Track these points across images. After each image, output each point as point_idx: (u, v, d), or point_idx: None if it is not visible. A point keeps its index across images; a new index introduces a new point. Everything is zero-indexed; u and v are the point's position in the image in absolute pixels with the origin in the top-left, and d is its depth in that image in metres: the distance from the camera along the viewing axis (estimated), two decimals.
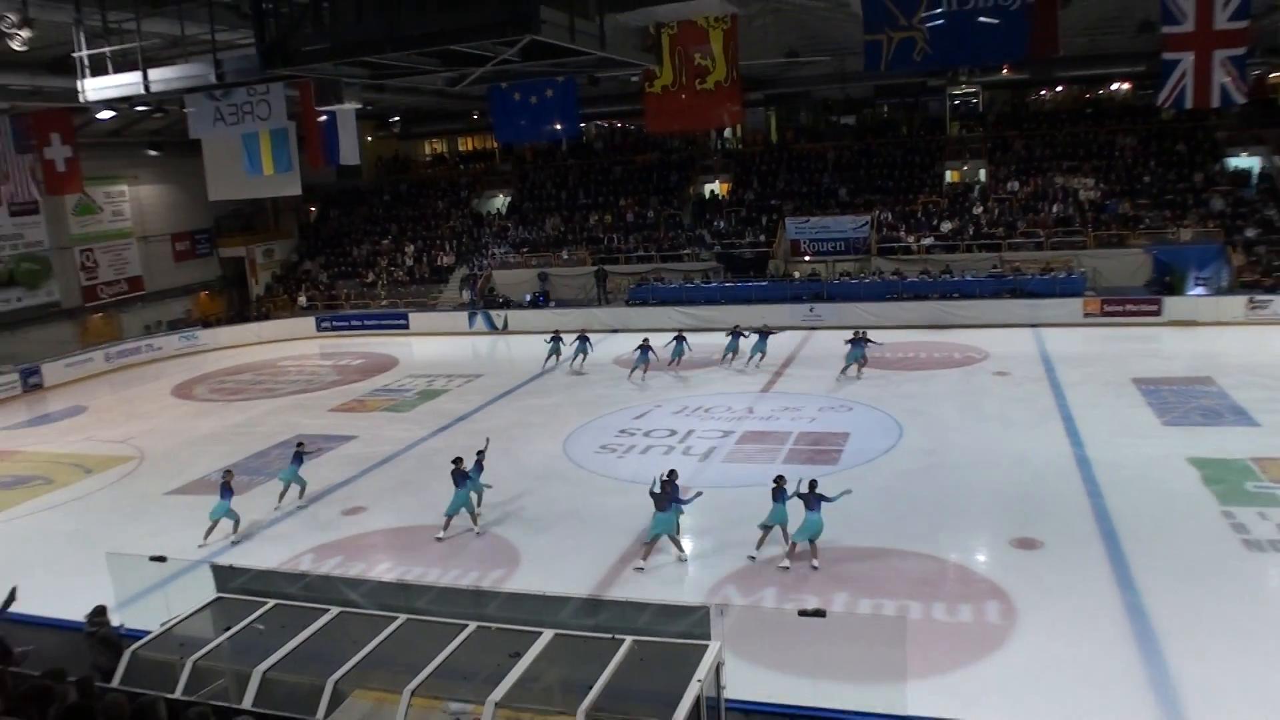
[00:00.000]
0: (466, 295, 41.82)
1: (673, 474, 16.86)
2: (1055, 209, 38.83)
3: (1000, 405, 24.91)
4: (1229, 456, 19.58)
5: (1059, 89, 46.18)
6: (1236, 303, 32.89)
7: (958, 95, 44.57)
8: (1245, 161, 39.35)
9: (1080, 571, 15.09)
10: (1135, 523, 16.76)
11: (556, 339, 32.85)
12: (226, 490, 18.44)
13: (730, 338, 31.35)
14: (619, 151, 48.80)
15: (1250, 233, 35.80)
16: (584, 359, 32.20)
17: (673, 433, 23.77)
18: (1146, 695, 11.75)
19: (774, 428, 23.76)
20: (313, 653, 9.47)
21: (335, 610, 10.15)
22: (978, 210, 39.82)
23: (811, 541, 15.70)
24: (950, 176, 42.84)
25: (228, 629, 9.97)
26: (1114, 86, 45.16)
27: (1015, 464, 20.25)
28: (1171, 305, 33.54)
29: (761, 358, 30.75)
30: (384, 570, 16.40)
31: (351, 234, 48.07)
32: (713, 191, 45.49)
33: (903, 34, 22.05)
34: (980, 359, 30.04)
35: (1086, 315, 33.92)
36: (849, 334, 29.77)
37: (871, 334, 29.95)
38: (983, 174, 42.17)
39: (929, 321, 34.59)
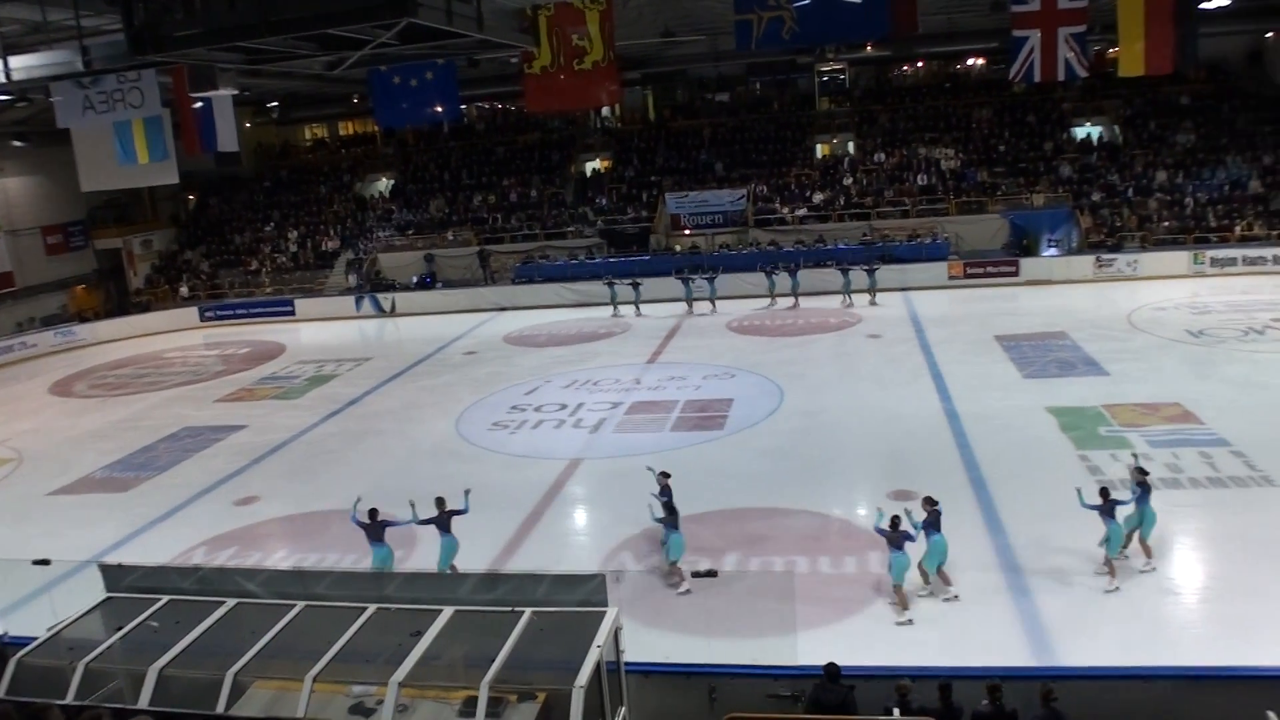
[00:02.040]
0: (353, 279, 40.87)
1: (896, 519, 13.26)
2: (919, 178, 39.81)
3: (874, 366, 25.50)
4: (1083, 405, 20.43)
5: (920, 65, 47.22)
6: (1085, 262, 34.35)
7: (826, 72, 45.22)
8: (1089, 130, 41.03)
9: (953, 518, 15.48)
10: (1001, 470, 17.37)
11: (611, 286, 34.91)
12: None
13: (768, 280, 34.41)
14: (500, 132, 48.16)
15: (1095, 196, 37.35)
16: (638, 306, 34.64)
17: (563, 406, 23.68)
18: (1016, 627, 12.22)
19: (661, 397, 23.86)
20: (210, 646, 9.14)
21: (231, 602, 9.82)
22: (847, 181, 40.56)
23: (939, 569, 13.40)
24: (821, 150, 43.53)
25: (119, 629, 9.55)
26: (970, 62, 46.40)
27: (890, 420, 20.76)
28: (1027, 266, 34.81)
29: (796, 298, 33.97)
30: (280, 559, 15.97)
31: (233, 222, 46.44)
32: (594, 169, 45.32)
33: (771, 14, 22.24)
34: (854, 323, 30.68)
35: (951, 278, 34.94)
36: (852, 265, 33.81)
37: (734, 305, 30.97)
38: (851, 146, 42.93)
39: (805, 289, 35.14)
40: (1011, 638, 12.01)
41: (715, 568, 14.07)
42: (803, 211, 39.53)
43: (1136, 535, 13.60)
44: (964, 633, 12.20)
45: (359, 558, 15.77)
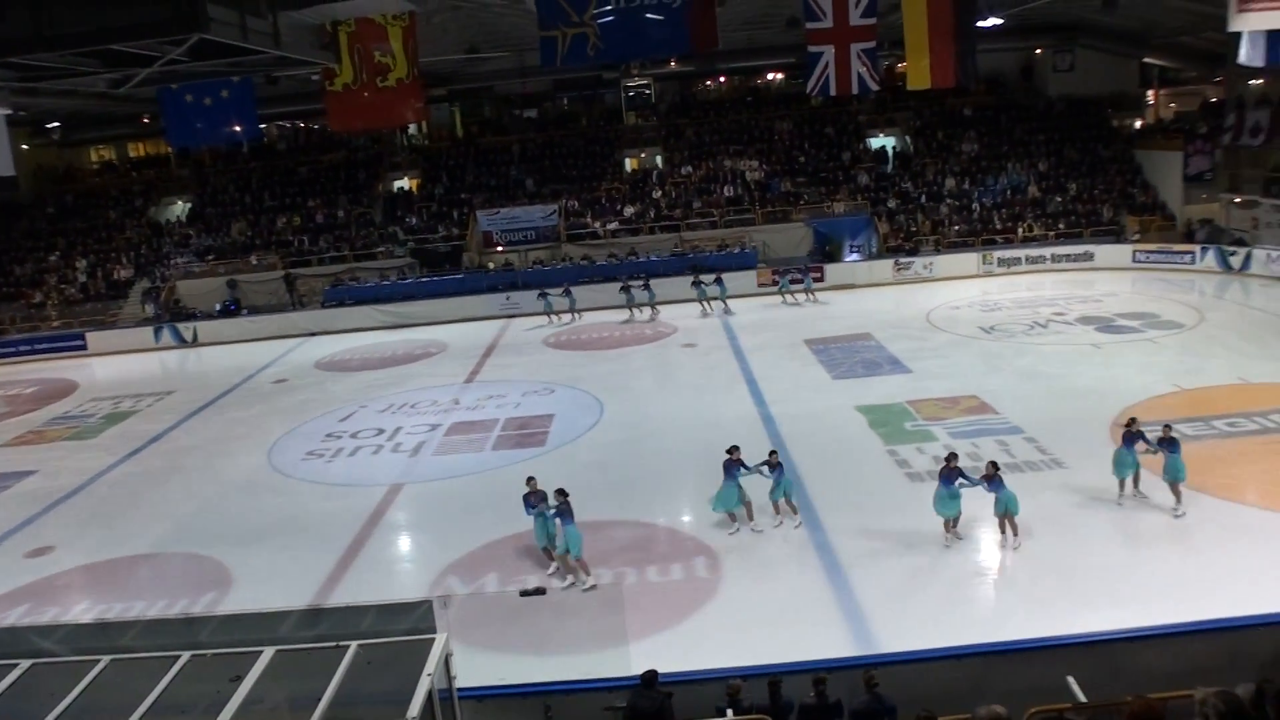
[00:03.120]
0: (150, 309, 38.74)
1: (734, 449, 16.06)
2: (726, 190, 40.96)
3: (691, 375, 26.06)
4: (889, 402, 21.47)
5: (722, 80, 48.69)
6: (885, 266, 36.14)
7: (632, 87, 45.98)
8: (883, 141, 43.26)
9: (774, 519, 16.03)
10: (817, 469, 18.02)
11: (544, 296, 34.57)
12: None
13: (695, 288, 34.11)
14: (304, 151, 46.73)
15: (891, 203, 39.36)
16: (575, 316, 34.66)
17: (380, 431, 23.15)
18: (840, 621, 12.70)
19: (480, 417, 23.65)
20: (2, 717, 8.46)
21: (25, 664, 9.10)
22: (657, 194, 41.35)
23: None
24: (630, 164, 44.22)
25: None
26: (770, 77, 48.16)
27: (709, 427, 21.20)
28: (832, 271, 36.32)
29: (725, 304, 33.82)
30: (81, 611, 14.95)
31: (11, 251, 43.20)
32: (402, 188, 44.59)
33: (575, 30, 22.47)
34: (670, 333, 31.25)
35: (760, 286, 36.01)
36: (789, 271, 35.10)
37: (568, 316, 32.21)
38: (659, 160, 43.80)
39: (620, 301, 35.56)
40: (835, 630, 12.46)
41: (543, 585, 14.10)
42: (614, 225, 40.04)
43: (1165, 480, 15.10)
44: (790, 629, 12.56)
45: (169, 603, 14.99)
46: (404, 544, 17.43)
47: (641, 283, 34.54)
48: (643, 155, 44.48)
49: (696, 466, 18.87)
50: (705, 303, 34.18)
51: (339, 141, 45.19)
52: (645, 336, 31.17)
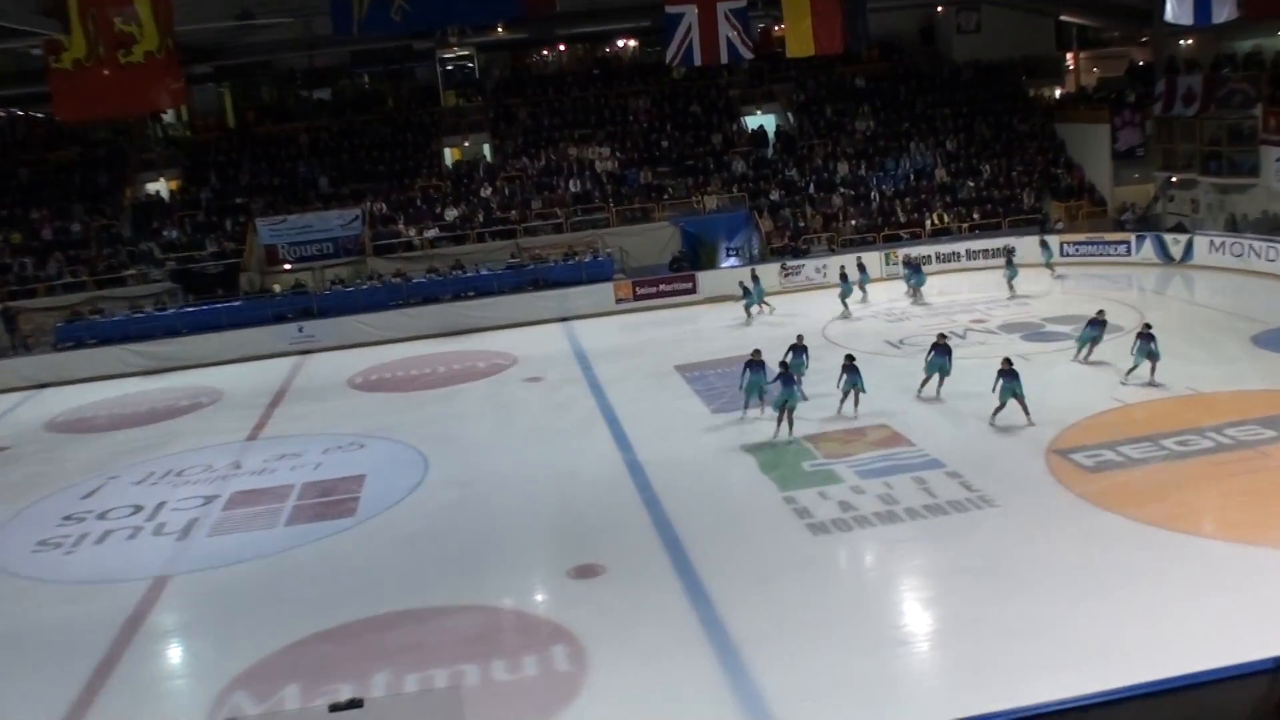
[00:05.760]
0: None
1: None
2: (571, 184, 41.19)
3: (537, 416, 25.99)
4: (783, 438, 21.73)
5: (562, 49, 49.05)
6: (769, 271, 36.65)
7: (450, 59, 45.93)
8: (761, 120, 44.22)
9: (648, 592, 16.00)
10: (698, 526, 18.10)
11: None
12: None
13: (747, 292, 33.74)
14: (24, 148, 45.16)
15: (774, 195, 40.17)
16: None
17: (138, 509, 22.20)
18: (735, 711, 12.69)
19: (270, 483, 22.97)
20: None
21: None
22: (486, 192, 41.26)
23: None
24: (451, 155, 44.15)
25: None
26: (620, 44, 48.77)
27: (562, 480, 21.13)
28: (706, 281, 36.69)
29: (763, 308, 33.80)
30: None
31: None
32: (157, 193, 43.42)
33: None
34: (509, 365, 31.09)
35: (619, 301, 36.26)
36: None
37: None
38: (487, 150, 43.85)
39: (444, 328, 35.29)
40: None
41: (360, 696, 13.68)
42: (434, 233, 39.80)
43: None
44: None
45: None
46: (174, 654, 16.76)
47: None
48: (466, 144, 44.48)
49: (548, 531, 18.79)
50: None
51: (71, 135, 43.81)
52: (478, 370, 30.93)
